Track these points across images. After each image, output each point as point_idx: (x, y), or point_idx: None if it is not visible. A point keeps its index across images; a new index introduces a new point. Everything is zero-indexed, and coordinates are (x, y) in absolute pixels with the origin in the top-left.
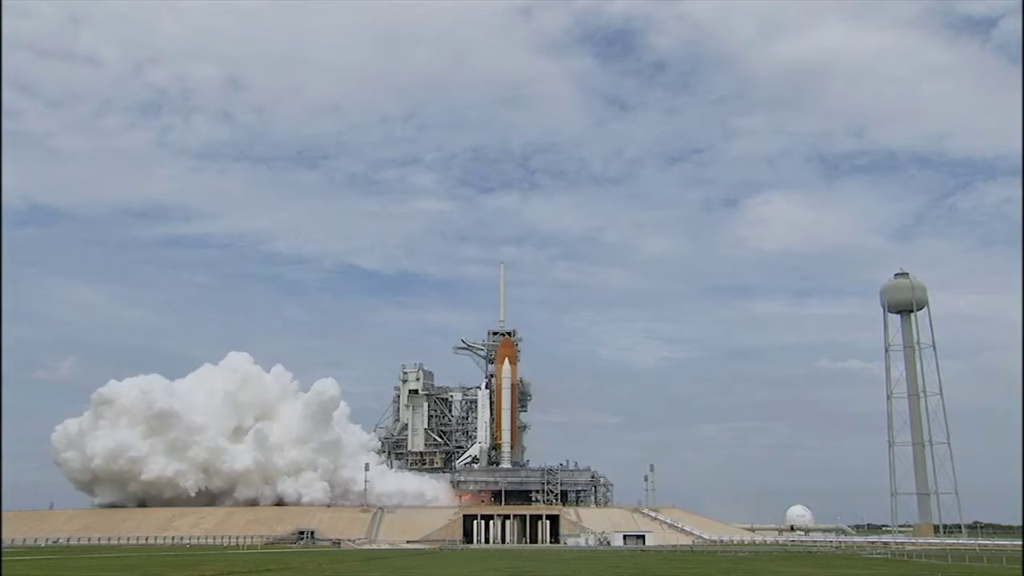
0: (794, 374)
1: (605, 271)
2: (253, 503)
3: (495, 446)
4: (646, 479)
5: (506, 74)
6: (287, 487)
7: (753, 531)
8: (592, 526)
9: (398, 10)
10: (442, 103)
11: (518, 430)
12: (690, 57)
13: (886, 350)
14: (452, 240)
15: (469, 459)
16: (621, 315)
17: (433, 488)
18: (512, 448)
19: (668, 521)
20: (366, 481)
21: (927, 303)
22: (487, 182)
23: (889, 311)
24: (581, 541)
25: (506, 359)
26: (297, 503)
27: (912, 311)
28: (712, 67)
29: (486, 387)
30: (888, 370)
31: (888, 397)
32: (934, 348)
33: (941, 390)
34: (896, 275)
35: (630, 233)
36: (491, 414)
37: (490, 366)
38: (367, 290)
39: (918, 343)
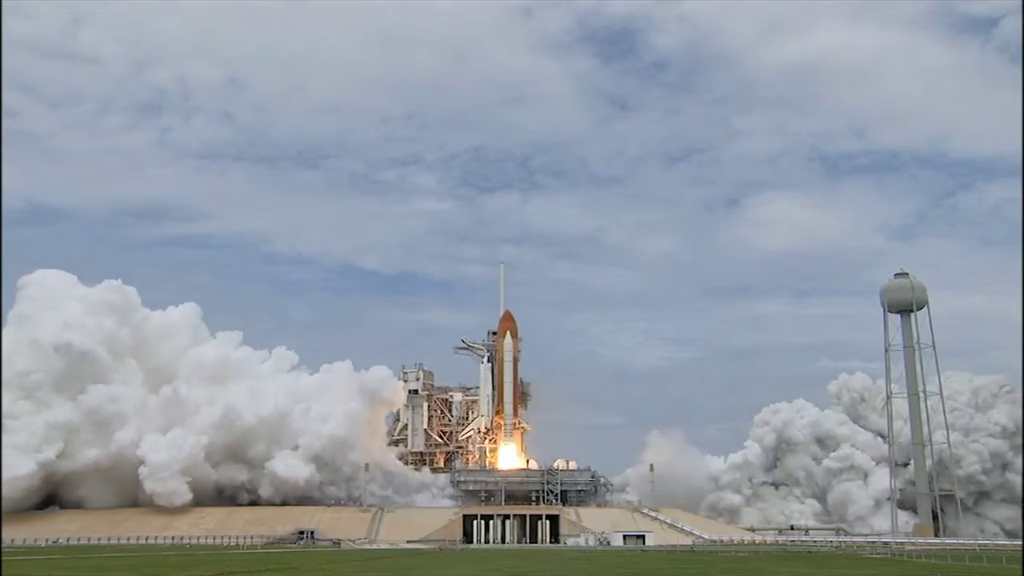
0: (795, 374)
1: (606, 271)
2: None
3: (495, 424)
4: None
5: (507, 74)
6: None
7: (753, 531)
8: (592, 526)
9: (398, 10)
10: (443, 103)
11: (520, 403)
12: (691, 57)
13: (886, 350)
14: (453, 240)
15: (472, 431)
16: (622, 315)
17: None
18: (515, 418)
19: (668, 521)
20: (367, 480)
21: (927, 303)
22: (488, 182)
23: (889, 311)
24: (581, 541)
25: (507, 332)
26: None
27: (912, 311)
28: (713, 67)
29: (487, 360)
30: (888, 370)
31: (888, 397)
32: (934, 348)
33: (941, 390)
34: (896, 275)
35: (631, 233)
36: (492, 387)
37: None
38: (367, 290)
39: (918, 343)
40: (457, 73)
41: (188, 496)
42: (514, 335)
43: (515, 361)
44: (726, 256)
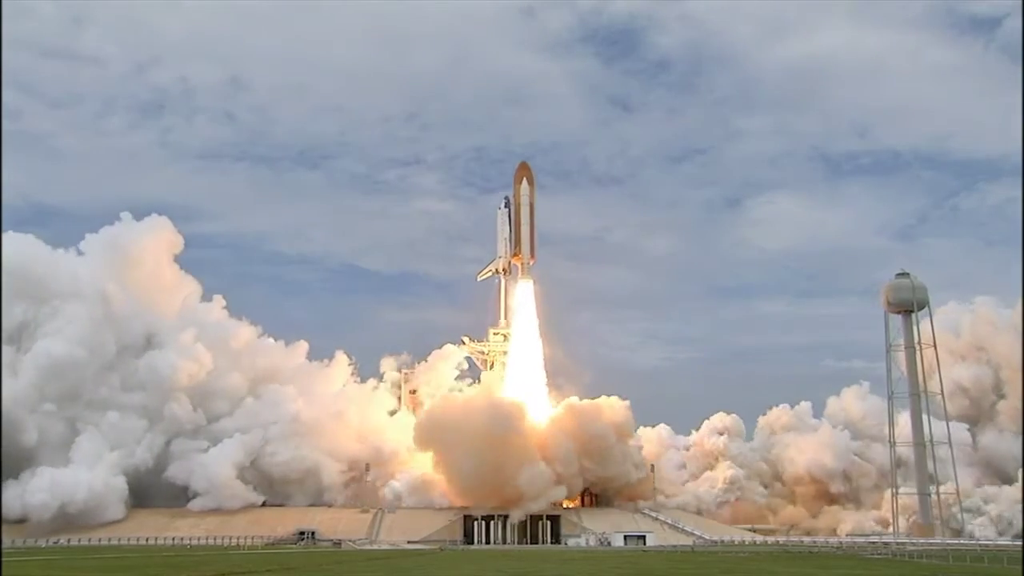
0: (798, 374)
1: (607, 271)
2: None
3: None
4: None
5: (508, 74)
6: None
7: (754, 531)
8: (593, 526)
9: (400, 10)
10: (444, 103)
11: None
12: (693, 57)
13: (887, 350)
14: (454, 240)
15: (490, 273)
16: (623, 315)
17: None
18: (532, 259)
19: (669, 522)
20: (367, 480)
21: (928, 303)
22: (489, 182)
23: (890, 311)
24: (582, 542)
25: (523, 179)
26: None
27: (913, 311)
28: (715, 67)
29: (504, 206)
30: (889, 370)
31: (889, 397)
32: (935, 348)
33: (942, 390)
34: (897, 275)
35: (632, 233)
36: (510, 227)
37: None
38: (369, 290)
39: (919, 343)
40: (458, 73)
41: (258, 499)
42: (531, 182)
43: (531, 205)
44: (728, 256)
